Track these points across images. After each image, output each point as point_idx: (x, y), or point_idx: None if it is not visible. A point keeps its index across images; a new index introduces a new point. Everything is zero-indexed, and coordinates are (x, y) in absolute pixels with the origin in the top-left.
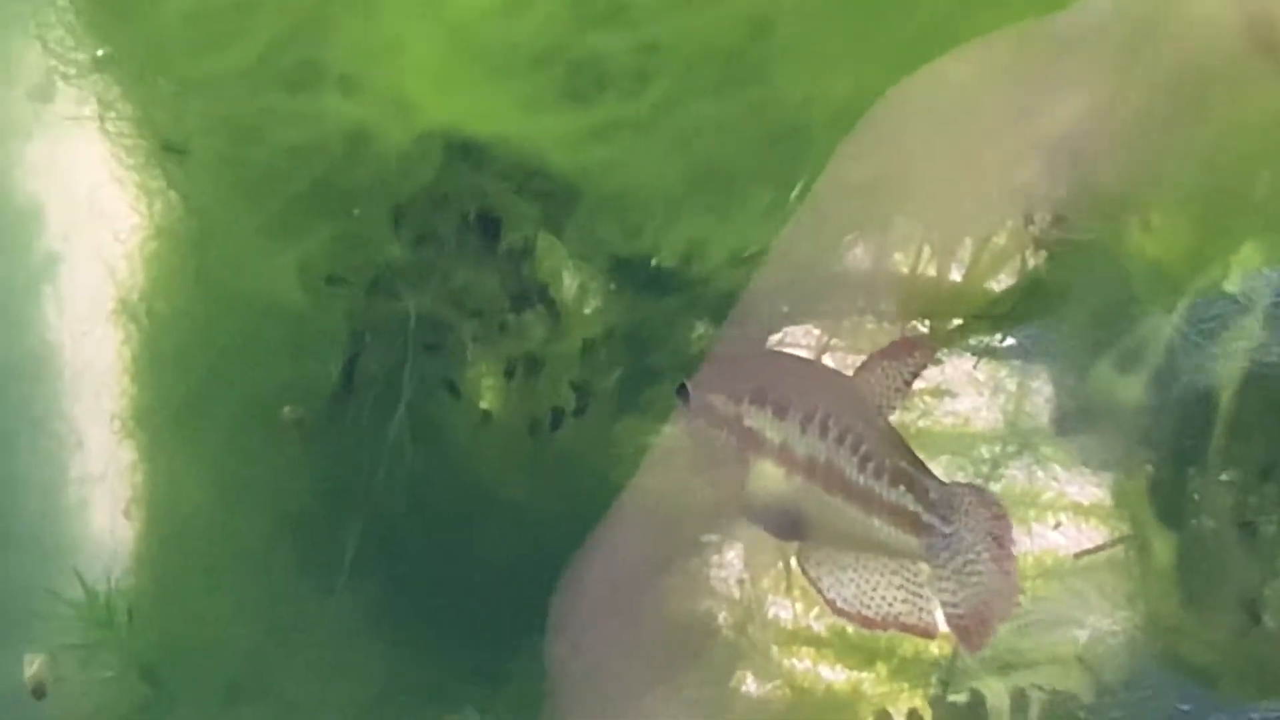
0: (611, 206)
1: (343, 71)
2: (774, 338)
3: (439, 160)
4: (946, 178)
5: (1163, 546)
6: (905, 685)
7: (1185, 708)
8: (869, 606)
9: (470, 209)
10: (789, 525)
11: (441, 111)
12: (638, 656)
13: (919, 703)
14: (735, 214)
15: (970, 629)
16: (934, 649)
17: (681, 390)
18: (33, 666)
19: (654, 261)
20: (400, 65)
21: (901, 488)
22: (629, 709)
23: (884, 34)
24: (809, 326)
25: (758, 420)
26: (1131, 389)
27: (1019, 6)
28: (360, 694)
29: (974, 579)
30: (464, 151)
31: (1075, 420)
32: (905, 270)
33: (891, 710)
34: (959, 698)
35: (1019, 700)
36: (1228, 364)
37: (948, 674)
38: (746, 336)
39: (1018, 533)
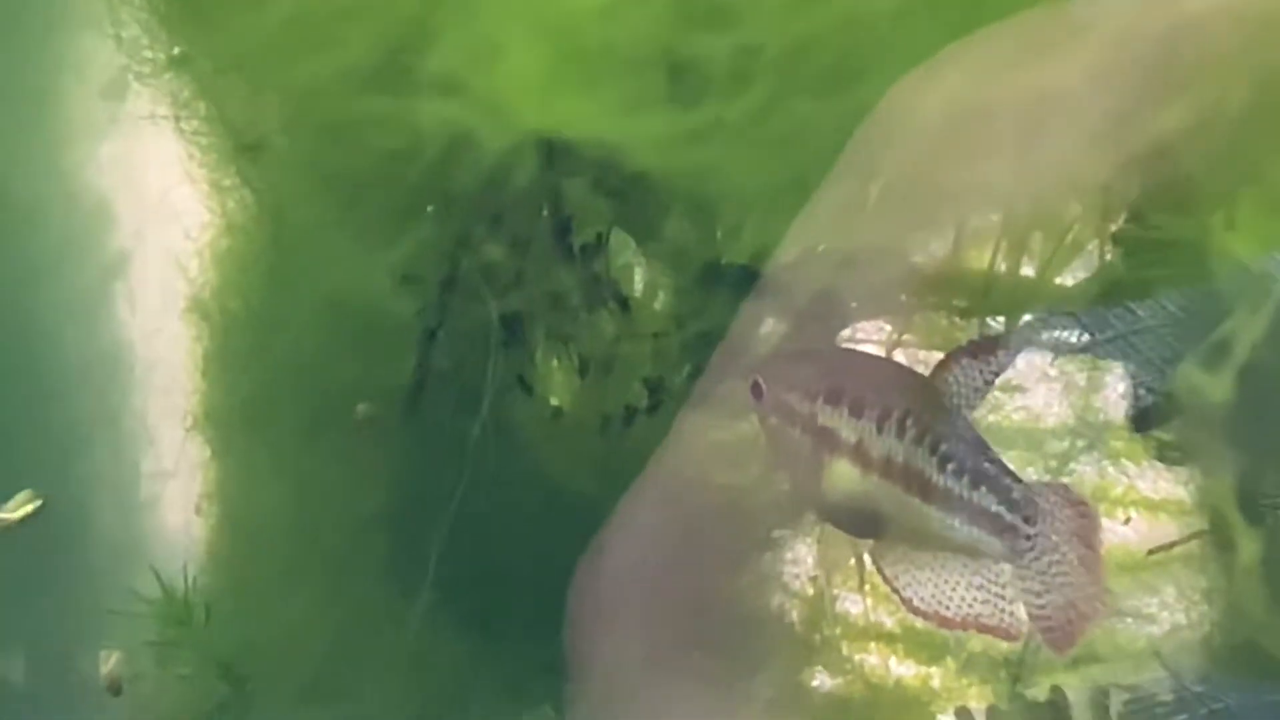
0: (706, 210)
1: (442, 75)
2: (844, 333)
3: (534, 165)
4: (1009, 170)
5: (1247, 544)
6: (975, 680)
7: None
8: (947, 607)
9: (544, 205)
10: (865, 524)
11: (540, 115)
12: (664, 642)
13: (996, 699)
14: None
15: (1058, 631)
16: (1002, 644)
17: (755, 386)
18: (109, 663)
19: (724, 259)
20: (500, 69)
21: (983, 488)
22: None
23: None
24: (880, 322)
25: (833, 419)
26: (1219, 387)
27: None
28: (437, 693)
29: (1060, 580)
30: (550, 154)
31: (1155, 417)
32: (977, 265)
33: (971, 708)
34: (1038, 694)
35: (1099, 698)
36: None
37: (1018, 669)
38: (815, 333)
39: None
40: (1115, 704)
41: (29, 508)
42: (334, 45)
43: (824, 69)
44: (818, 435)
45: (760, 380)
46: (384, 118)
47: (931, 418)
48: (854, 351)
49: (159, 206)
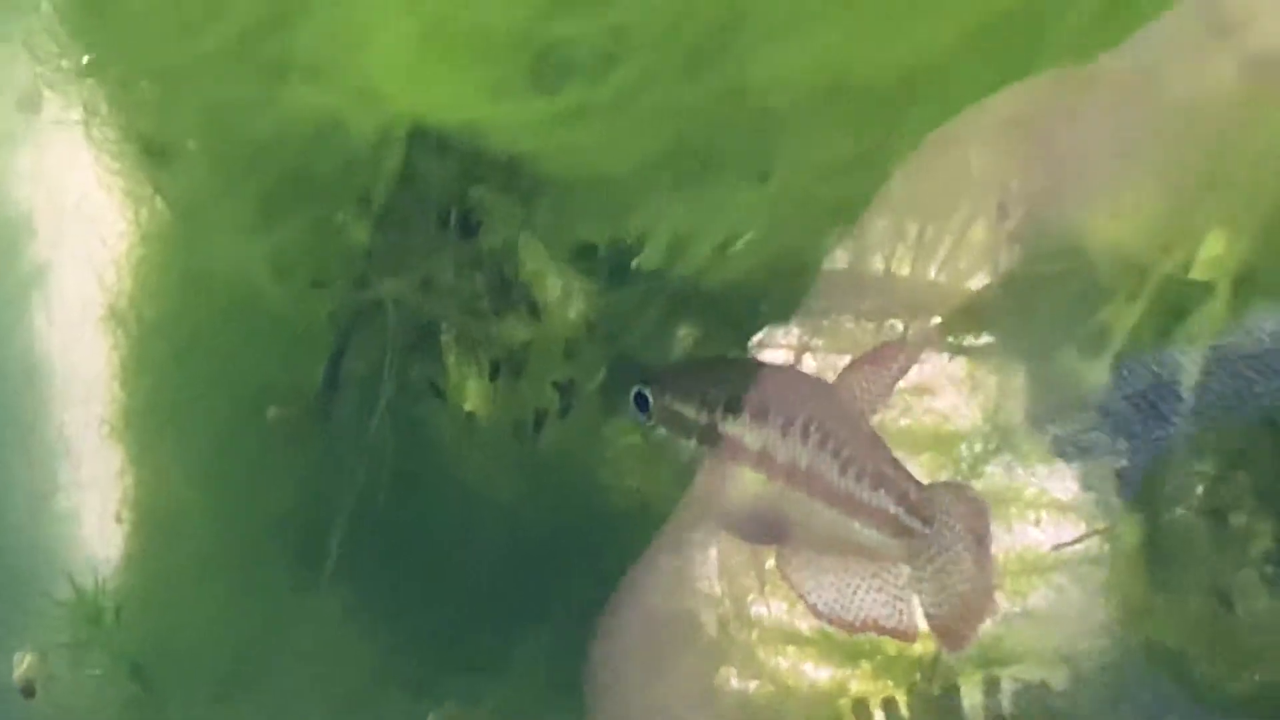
0: (580, 192)
1: (312, 60)
2: (754, 339)
3: (405, 149)
4: (924, 176)
5: (1131, 534)
6: (889, 682)
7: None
8: (848, 610)
9: (451, 209)
10: (768, 531)
11: (409, 99)
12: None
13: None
14: (705, 199)
15: (950, 629)
16: (918, 646)
17: (639, 398)
18: (21, 665)
19: (635, 263)
20: (369, 53)
21: (882, 491)
22: None
23: (853, 16)
24: (789, 327)
25: (735, 427)
26: (1095, 374)
27: None
28: (347, 689)
29: (953, 578)
30: (441, 149)
31: (1047, 412)
32: (883, 270)
33: (868, 701)
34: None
35: (991, 688)
36: (1192, 350)
37: (931, 670)
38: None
39: (1000, 530)
40: (1007, 696)
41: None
42: (205, 26)
43: (692, 49)
44: (716, 444)
45: (646, 393)
46: (259, 105)
47: (834, 423)
48: (751, 360)
49: (76, 215)
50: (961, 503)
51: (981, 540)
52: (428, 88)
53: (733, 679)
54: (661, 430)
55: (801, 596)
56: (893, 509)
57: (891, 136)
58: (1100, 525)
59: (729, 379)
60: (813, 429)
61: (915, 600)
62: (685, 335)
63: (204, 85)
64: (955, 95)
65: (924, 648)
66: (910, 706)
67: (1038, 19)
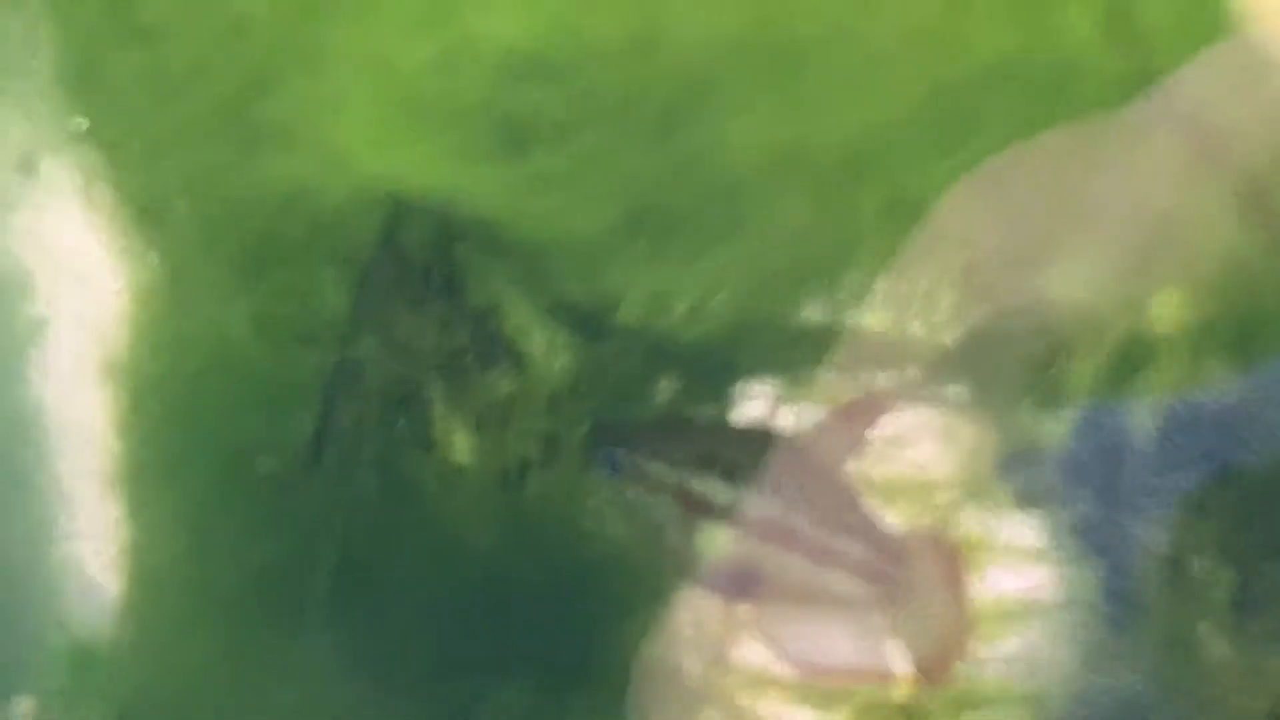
0: (553, 252)
1: (285, 126)
2: (732, 392)
3: (386, 210)
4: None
5: (1085, 584)
6: None
7: None
8: (824, 658)
9: (433, 268)
10: (741, 587)
11: (379, 164)
12: None
13: None
14: (674, 260)
15: (929, 669)
16: (896, 693)
17: (610, 457)
18: (19, 708)
19: (617, 318)
20: (340, 120)
21: (857, 540)
22: None
23: (807, 87)
24: (765, 380)
25: (705, 485)
26: (1050, 427)
27: (959, 53)
28: None
29: (929, 621)
30: (422, 213)
31: (1012, 464)
32: (859, 323)
33: None
34: None
35: None
36: (1146, 400)
37: (908, 715)
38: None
39: (974, 578)
40: None
41: None
42: (185, 95)
43: (653, 117)
44: (688, 502)
45: (615, 450)
46: (237, 171)
47: (805, 478)
48: (718, 419)
49: (72, 274)
50: (934, 549)
51: (956, 582)
52: (397, 153)
53: None
54: (631, 490)
55: (776, 650)
56: (866, 557)
57: (848, 202)
58: (1062, 573)
59: (698, 437)
60: (783, 484)
61: (892, 645)
62: (665, 388)
63: (186, 150)
64: (907, 162)
65: (901, 693)
66: None
67: (983, 89)
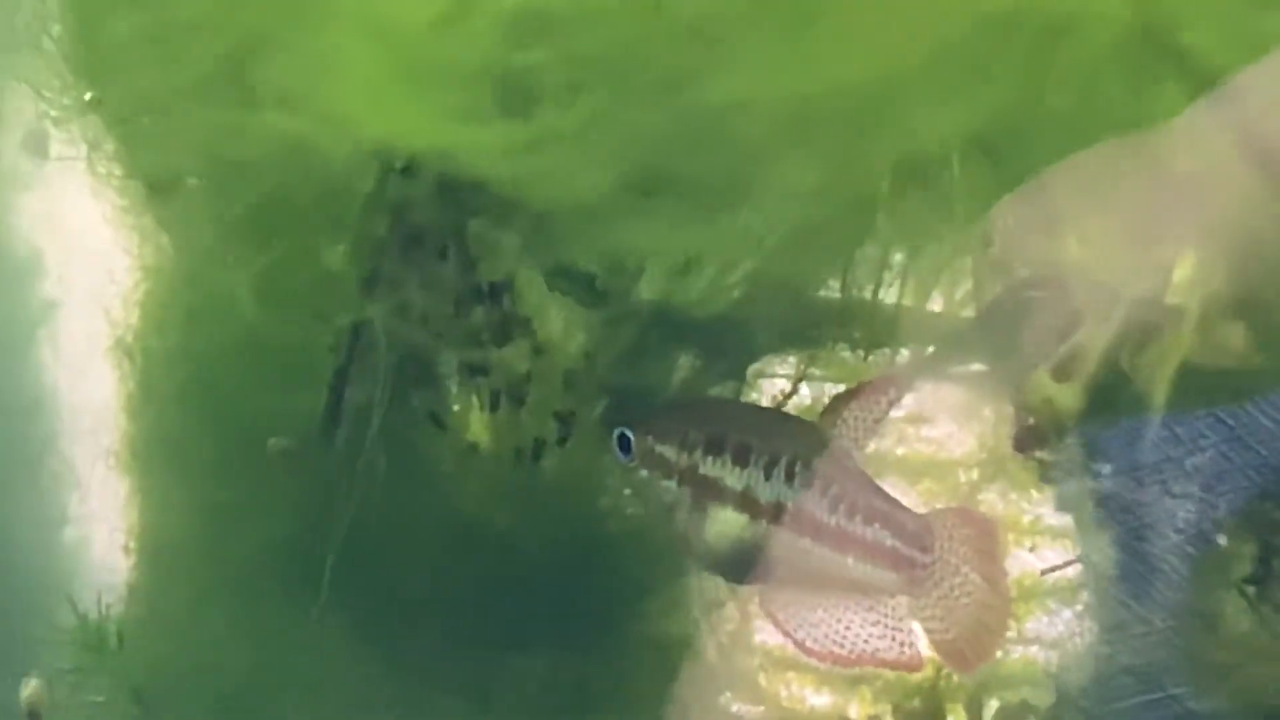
0: (559, 218)
1: (283, 87)
2: (751, 368)
3: (396, 182)
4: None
5: (1110, 558)
6: (889, 707)
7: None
8: (842, 645)
9: (448, 243)
10: (749, 569)
11: (377, 125)
12: None
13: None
14: (679, 225)
15: (964, 651)
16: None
17: (622, 439)
18: (27, 689)
19: (633, 293)
20: (338, 80)
21: (877, 525)
22: None
23: (811, 43)
24: (785, 356)
25: (715, 468)
26: (1067, 397)
27: (966, 6)
28: (339, 712)
29: (964, 601)
30: (437, 183)
31: (1034, 438)
32: (879, 300)
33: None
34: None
35: (974, 705)
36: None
37: (929, 695)
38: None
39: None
40: (991, 711)
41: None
42: (185, 56)
43: (655, 76)
44: (699, 485)
45: (628, 434)
46: (238, 132)
47: (820, 461)
48: (731, 401)
49: (82, 252)
50: (967, 525)
51: (992, 558)
52: (395, 113)
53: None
54: (643, 472)
55: (788, 635)
56: (889, 542)
57: (859, 159)
58: (1082, 551)
59: (710, 420)
60: (797, 468)
61: (916, 629)
62: (683, 365)
63: (190, 118)
64: (916, 116)
65: (922, 675)
66: None
67: (990, 42)
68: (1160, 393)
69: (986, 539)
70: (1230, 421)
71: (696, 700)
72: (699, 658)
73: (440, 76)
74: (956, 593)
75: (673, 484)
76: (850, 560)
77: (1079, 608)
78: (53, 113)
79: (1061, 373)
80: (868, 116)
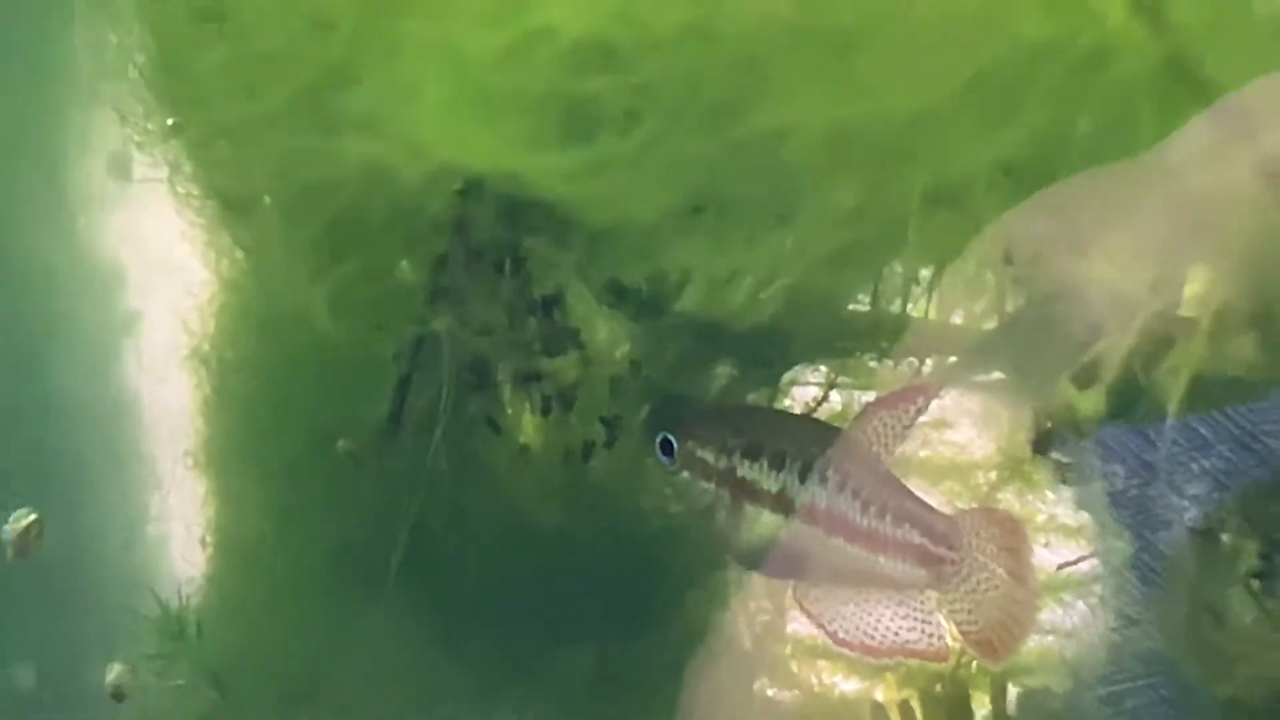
0: (614, 237)
1: (364, 116)
2: (786, 377)
3: (460, 201)
4: None
5: (1123, 554)
6: (915, 692)
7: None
8: (873, 636)
9: (505, 259)
10: (786, 567)
11: (452, 151)
12: None
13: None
14: (730, 244)
15: (991, 642)
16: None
17: (665, 444)
18: (112, 673)
19: (677, 306)
20: (416, 109)
21: (906, 525)
22: None
23: (854, 72)
24: (818, 366)
25: (752, 472)
26: (1089, 403)
27: (1001, 37)
28: (403, 700)
29: (990, 595)
30: (496, 203)
31: (1049, 441)
32: (903, 312)
33: (884, 703)
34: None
35: (998, 690)
36: (1175, 378)
37: (951, 683)
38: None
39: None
40: (1011, 696)
41: (27, 520)
42: (267, 86)
43: (709, 104)
44: (737, 487)
45: (671, 438)
46: (316, 157)
47: (851, 465)
48: (767, 408)
49: (163, 267)
50: (993, 524)
51: (1019, 555)
52: (468, 140)
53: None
54: (684, 474)
55: (821, 626)
56: (918, 540)
57: (896, 184)
58: (1097, 547)
59: (748, 426)
60: (830, 472)
61: (943, 621)
62: (721, 373)
63: (269, 142)
64: (952, 144)
65: (951, 668)
66: (924, 711)
67: (1024, 73)
68: (1174, 400)
69: (1012, 536)
70: (1236, 423)
71: (733, 685)
72: (736, 646)
73: (508, 104)
74: (984, 587)
75: (712, 486)
76: (881, 559)
77: (1092, 600)
78: (136, 137)
79: (1082, 381)
80: (905, 143)
